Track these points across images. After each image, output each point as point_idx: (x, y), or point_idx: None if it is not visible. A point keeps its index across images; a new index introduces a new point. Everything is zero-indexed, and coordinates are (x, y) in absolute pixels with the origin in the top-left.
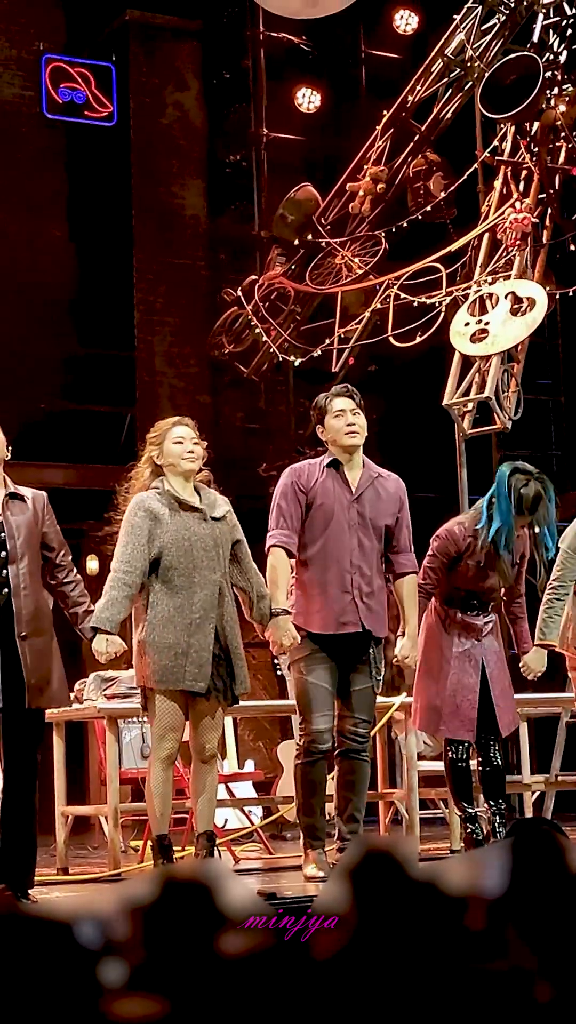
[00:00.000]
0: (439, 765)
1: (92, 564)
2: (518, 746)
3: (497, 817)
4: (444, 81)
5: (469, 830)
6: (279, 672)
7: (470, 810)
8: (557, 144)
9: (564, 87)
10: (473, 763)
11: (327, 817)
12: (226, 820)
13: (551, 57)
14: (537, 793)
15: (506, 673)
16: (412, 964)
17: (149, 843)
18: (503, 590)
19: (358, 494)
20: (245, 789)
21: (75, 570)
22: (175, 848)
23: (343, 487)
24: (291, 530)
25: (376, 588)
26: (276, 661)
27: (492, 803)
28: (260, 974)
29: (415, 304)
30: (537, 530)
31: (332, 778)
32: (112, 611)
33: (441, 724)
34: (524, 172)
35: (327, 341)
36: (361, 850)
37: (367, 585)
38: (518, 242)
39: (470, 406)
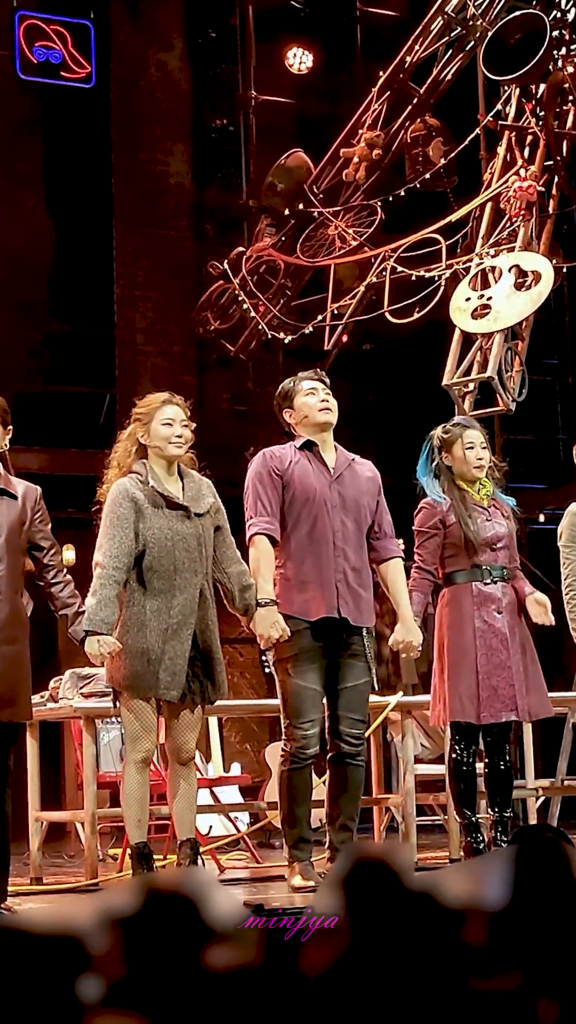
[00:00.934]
0: (437, 768)
1: (69, 555)
2: (521, 748)
3: (499, 825)
4: (444, 40)
5: (470, 839)
6: (267, 670)
7: (472, 817)
8: (564, 108)
9: (572, 47)
10: (479, 766)
11: (318, 825)
12: (211, 827)
13: (558, 15)
14: (542, 799)
15: (525, 654)
16: (408, 981)
17: (128, 851)
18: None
19: (337, 474)
20: (231, 794)
21: (65, 570)
22: (156, 856)
23: (320, 468)
24: (271, 516)
25: (363, 574)
26: (264, 659)
27: (496, 809)
28: (248, 990)
29: (413, 278)
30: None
31: (323, 782)
32: (106, 612)
33: (482, 710)
34: (529, 138)
35: (319, 317)
36: (353, 859)
37: (352, 570)
38: (523, 212)
39: (471, 387)
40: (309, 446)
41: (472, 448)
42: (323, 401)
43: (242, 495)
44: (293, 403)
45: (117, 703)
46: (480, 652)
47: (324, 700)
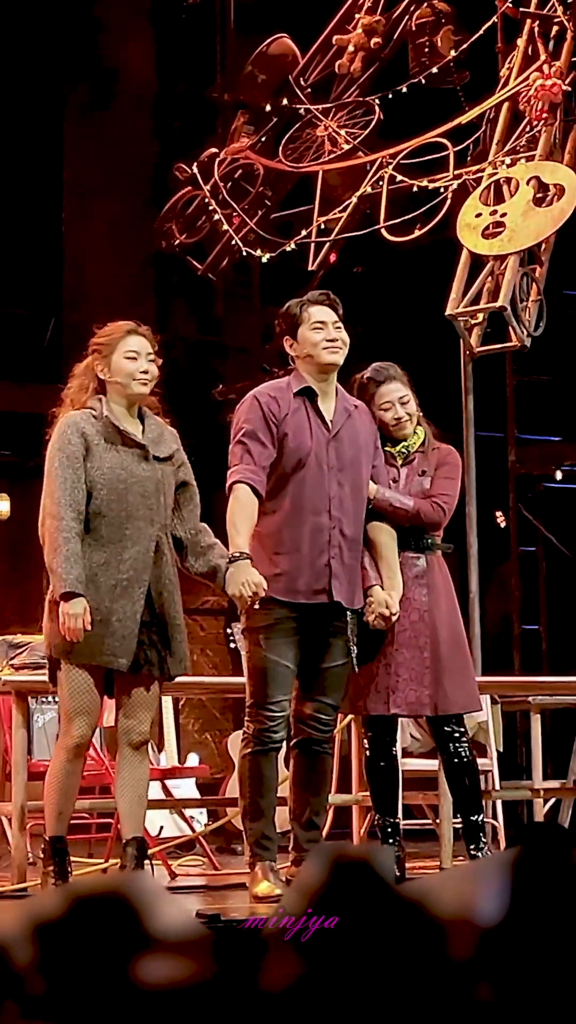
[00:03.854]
0: (429, 764)
1: (3, 506)
2: (528, 743)
3: (467, 832)
4: None
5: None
6: (232, 645)
7: (385, 820)
8: None
9: None
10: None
11: (286, 829)
12: (161, 827)
13: None
14: (551, 802)
15: (438, 638)
16: (393, 1004)
17: (43, 846)
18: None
19: (336, 430)
20: (187, 789)
21: None
22: (97, 860)
23: (318, 421)
24: (259, 467)
25: (358, 546)
26: (229, 633)
27: (462, 814)
28: (193, 1009)
29: (414, 189)
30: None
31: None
32: (78, 569)
33: (356, 699)
34: (555, 28)
35: (303, 233)
36: (326, 861)
37: (347, 544)
38: (545, 115)
39: (480, 318)
40: (308, 393)
41: (388, 409)
42: (331, 341)
43: (207, 438)
44: (296, 334)
45: (55, 676)
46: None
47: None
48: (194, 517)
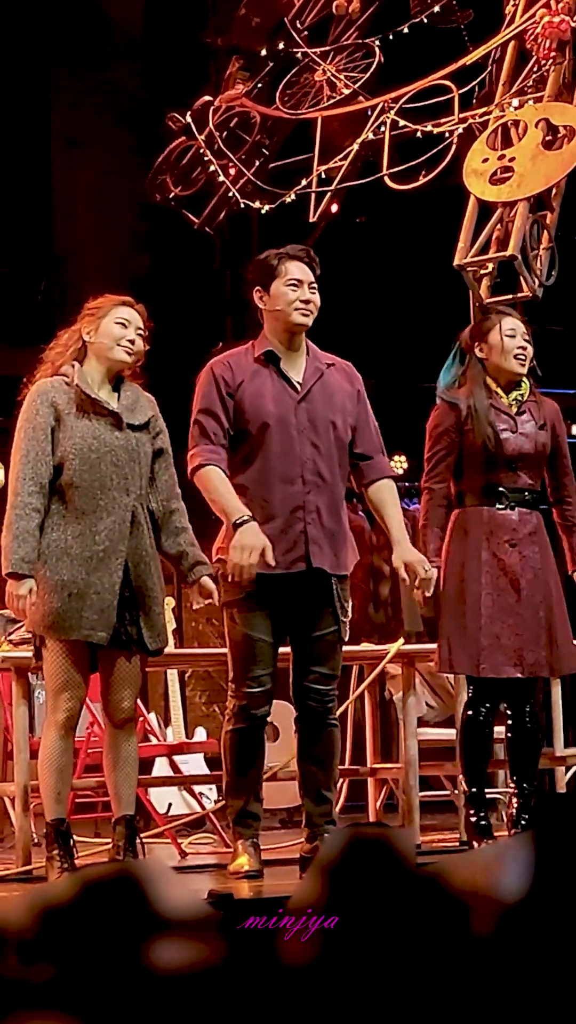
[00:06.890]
0: (446, 733)
1: None
2: (549, 708)
3: (521, 799)
4: None
5: (471, 814)
6: None
7: (476, 790)
8: None
9: None
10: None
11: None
12: (170, 805)
13: None
14: (573, 770)
15: (551, 597)
16: (413, 979)
17: (44, 830)
18: (544, 477)
19: (305, 390)
20: (195, 764)
21: None
22: (96, 840)
23: (283, 384)
24: (217, 446)
25: (338, 509)
26: None
27: (521, 781)
28: (205, 993)
29: (418, 134)
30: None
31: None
32: (25, 548)
33: (481, 661)
34: None
35: (302, 183)
36: (344, 840)
37: (326, 508)
38: (553, 54)
39: (489, 267)
40: (272, 358)
41: (513, 336)
42: (304, 303)
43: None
44: (269, 287)
45: (40, 653)
46: (484, 592)
47: (278, 651)
48: (168, 488)
